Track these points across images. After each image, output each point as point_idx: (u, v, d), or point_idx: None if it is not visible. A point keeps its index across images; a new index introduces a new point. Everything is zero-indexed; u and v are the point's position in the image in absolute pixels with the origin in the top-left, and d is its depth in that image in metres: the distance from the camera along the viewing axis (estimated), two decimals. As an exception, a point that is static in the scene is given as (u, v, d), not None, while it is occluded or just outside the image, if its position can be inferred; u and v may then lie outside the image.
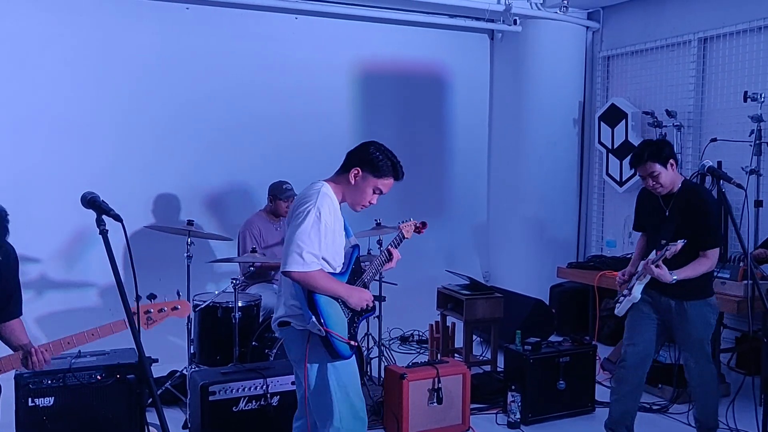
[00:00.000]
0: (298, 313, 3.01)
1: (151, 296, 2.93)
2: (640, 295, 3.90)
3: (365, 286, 3.24)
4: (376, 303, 3.43)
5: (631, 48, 6.82)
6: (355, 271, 3.22)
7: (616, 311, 4.07)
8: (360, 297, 3.12)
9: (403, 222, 3.64)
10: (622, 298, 4.00)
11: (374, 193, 3.13)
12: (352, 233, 3.35)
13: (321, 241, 2.96)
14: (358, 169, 3.09)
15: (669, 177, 3.82)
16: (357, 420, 3.09)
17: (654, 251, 3.85)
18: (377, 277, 3.57)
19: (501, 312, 5.50)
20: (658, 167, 3.79)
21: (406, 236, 3.58)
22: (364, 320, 3.46)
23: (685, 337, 3.95)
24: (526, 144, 7.23)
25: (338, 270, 3.13)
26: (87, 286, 5.92)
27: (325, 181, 3.14)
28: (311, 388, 3.06)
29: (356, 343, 3.13)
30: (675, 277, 3.71)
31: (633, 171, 6.39)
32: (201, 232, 4.97)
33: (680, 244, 3.65)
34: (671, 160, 3.81)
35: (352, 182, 3.10)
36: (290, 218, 3.08)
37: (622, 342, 5.68)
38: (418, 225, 3.69)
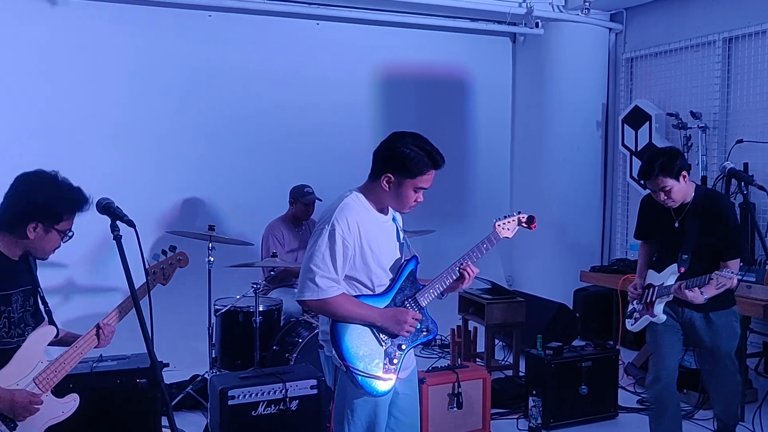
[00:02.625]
0: (327, 338, 2.72)
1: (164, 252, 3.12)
2: (664, 316, 3.66)
3: (420, 309, 2.78)
4: (430, 324, 2.85)
5: (655, 49, 6.73)
6: (404, 289, 2.79)
7: (630, 327, 3.85)
8: (397, 319, 2.67)
9: (499, 219, 3.05)
10: (636, 314, 3.80)
11: (416, 192, 2.71)
12: (409, 243, 2.93)
13: (339, 262, 2.61)
14: (389, 175, 2.68)
15: (681, 190, 3.52)
16: None
17: (675, 266, 3.60)
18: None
19: (523, 316, 5.46)
20: (669, 182, 3.47)
21: (505, 237, 3.04)
22: (414, 347, 2.85)
23: (713, 350, 3.71)
24: (548, 147, 7.18)
25: (379, 290, 2.75)
26: (112, 291, 5.95)
27: (357, 188, 2.79)
28: (334, 414, 2.81)
29: (391, 378, 2.70)
30: (706, 296, 3.47)
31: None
32: (222, 237, 5.00)
33: (735, 278, 3.37)
34: (684, 172, 3.50)
35: (387, 189, 2.70)
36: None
37: (646, 347, 5.64)
38: (523, 219, 3.11)
